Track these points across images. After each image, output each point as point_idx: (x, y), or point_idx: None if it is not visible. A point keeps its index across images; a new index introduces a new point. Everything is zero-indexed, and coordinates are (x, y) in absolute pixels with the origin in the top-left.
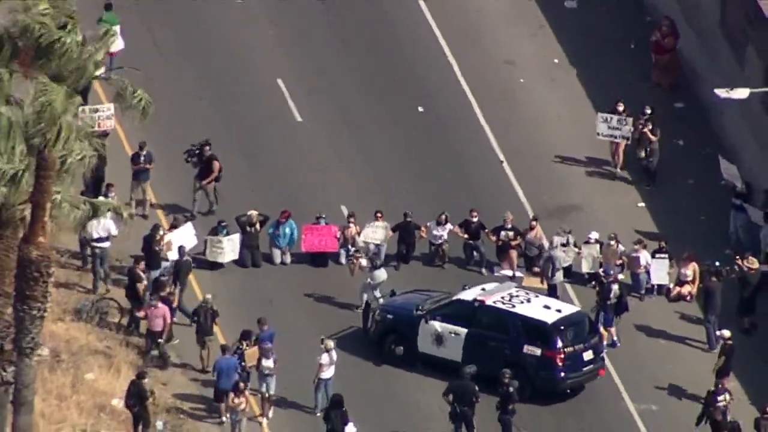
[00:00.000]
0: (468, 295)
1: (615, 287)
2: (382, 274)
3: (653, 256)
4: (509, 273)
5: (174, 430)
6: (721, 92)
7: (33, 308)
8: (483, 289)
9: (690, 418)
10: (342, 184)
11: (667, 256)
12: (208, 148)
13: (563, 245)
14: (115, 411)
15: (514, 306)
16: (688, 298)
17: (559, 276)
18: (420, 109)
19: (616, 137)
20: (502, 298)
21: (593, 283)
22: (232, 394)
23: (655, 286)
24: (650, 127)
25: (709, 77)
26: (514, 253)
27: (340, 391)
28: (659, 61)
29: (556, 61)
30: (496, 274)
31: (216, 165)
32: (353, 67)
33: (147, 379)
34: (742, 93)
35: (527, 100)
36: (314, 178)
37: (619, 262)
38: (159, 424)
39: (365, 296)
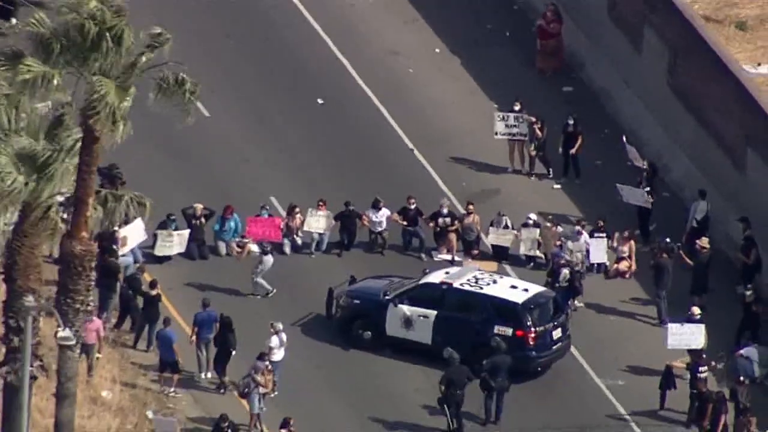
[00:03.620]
0: (434, 278)
1: (565, 271)
2: (270, 259)
3: (591, 236)
4: (448, 257)
5: (166, 416)
6: (749, 68)
7: (77, 302)
8: (447, 273)
9: (657, 391)
10: (266, 176)
11: (605, 235)
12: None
13: (504, 228)
14: (105, 402)
15: (482, 288)
16: (627, 275)
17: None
18: (320, 101)
19: (514, 135)
20: (468, 280)
21: (531, 264)
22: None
23: (595, 265)
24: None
25: (596, 62)
26: (453, 238)
27: (310, 377)
28: (545, 46)
29: (437, 50)
30: (435, 258)
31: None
32: (248, 64)
33: None
34: None
35: (419, 88)
36: (238, 171)
37: (558, 243)
38: (150, 413)
39: (256, 281)
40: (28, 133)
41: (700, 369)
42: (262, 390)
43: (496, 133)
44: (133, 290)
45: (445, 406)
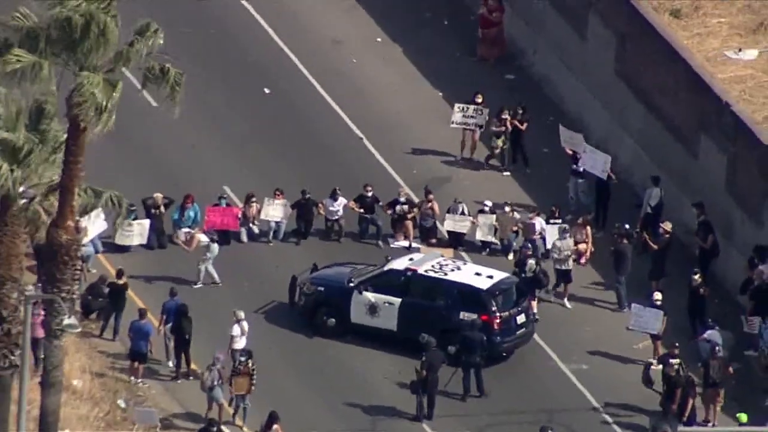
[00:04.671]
0: (398, 264)
1: (531, 261)
2: (216, 247)
3: (547, 222)
4: (405, 244)
5: (137, 405)
6: (731, 53)
7: (63, 291)
8: (411, 260)
9: (621, 374)
10: (217, 166)
11: (560, 221)
12: None
13: (461, 214)
14: (77, 390)
15: (446, 274)
16: (583, 260)
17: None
18: (266, 90)
19: (469, 125)
20: (432, 266)
21: (487, 250)
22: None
23: (551, 251)
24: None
25: (538, 49)
26: (410, 225)
27: (276, 365)
28: (486, 34)
29: (378, 39)
30: (392, 245)
31: None
32: (190, 55)
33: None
34: (751, 54)
35: (363, 77)
36: (187, 161)
37: (514, 228)
38: (121, 402)
39: (202, 269)
40: (6, 123)
41: (671, 361)
42: (237, 391)
43: (453, 122)
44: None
45: (420, 390)
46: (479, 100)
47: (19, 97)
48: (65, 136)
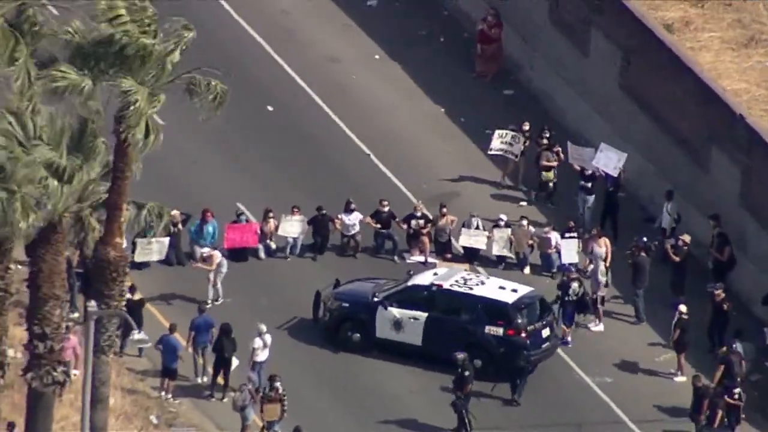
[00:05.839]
0: (422, 280)
1: (575, 285)
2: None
3: (563, 237)
4: (421, 259)
5: (169, 422)
6: None
7: (110, 307)
8: (435, 275)
9: (645, 387)
10: (226, 182)
11: (576, 235)
12: None
13: (476, 229)
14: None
15: (471, 288)
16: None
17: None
18: (269, 108)
19: (506, 152)
20: (457, 281)
21: (502, 264)
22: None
23: (566, 265)
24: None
25: (536, 65)
26: (426, 240)
27: (303, 381)
28: (485, 50)
29: (377, 57)
30: (408, 261)
31: None
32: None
33: None
34: None
35: (364, 94)
36: (196, 178)
37: (530, 242)
38: (153, 418)
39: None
40: (50, 141)
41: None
42: (268, 418)
43: (491, 149)
44: None
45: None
46: (526, 127)
47: (63, 114)
48: (110, 153)
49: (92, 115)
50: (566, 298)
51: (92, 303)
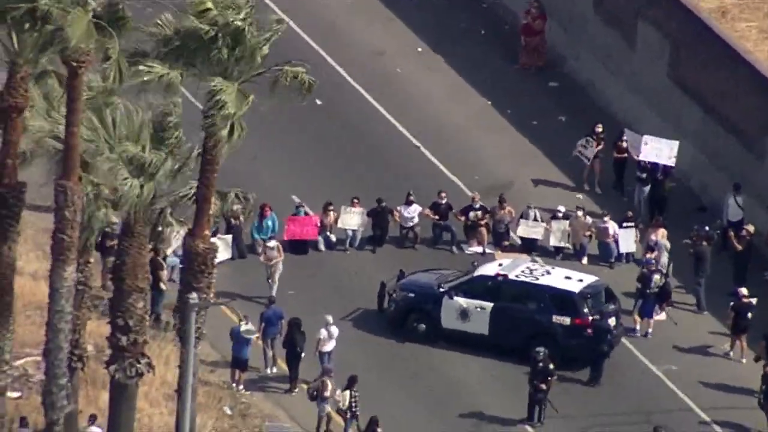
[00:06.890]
0: (487, 270)
1: (656, 277)
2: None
3: (620, 226)
4: (479, 250)
5: (242, 412)
6: None
7: (200, 299)
8: (500, 265)
9: (710, 374)
10: (281, 176)
11: (633, 224)
12: None
13: (534, 220)
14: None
15: (537, 278)
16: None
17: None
18: (318, 101)
19: (582, 155)
20: (523, 271)
21: (560, 255)
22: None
23: (624, 254)
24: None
25: (582, 57)
26: (484, 231)
27: (370, 371)
28: (529, 43)
29: (419, 50)
30: (466, 252)
31: None
32: None
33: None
34: None
35: (411, 87)
36: (251, 172)
37: (588, 233)
38: (227, 409)
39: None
40: (130, 135)
41: None
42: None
43: (574, 154)
44: None
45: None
46: (599, 129)
47: (144, 108)
48: (194, 148)
49: (173, 108)
50: (647, 291)
51: (193, 294)
